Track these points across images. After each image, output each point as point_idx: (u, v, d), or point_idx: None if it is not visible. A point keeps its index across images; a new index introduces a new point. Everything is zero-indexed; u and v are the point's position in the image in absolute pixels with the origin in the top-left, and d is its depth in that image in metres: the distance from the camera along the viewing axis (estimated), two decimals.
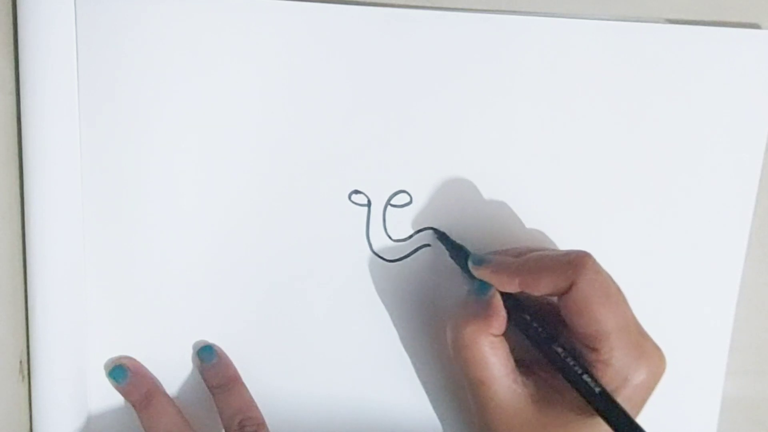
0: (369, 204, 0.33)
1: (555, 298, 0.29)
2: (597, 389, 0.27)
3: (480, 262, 0.31)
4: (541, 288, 0.28)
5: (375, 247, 0.33)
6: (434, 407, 0.35)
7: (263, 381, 0.34)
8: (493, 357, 0.29)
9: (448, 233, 0.33)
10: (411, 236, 0.33)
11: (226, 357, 0.34)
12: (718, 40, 0.33)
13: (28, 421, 0.33)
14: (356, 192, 0.33)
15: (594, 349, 0.28)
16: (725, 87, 0.33)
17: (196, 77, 0.32)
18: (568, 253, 0.29)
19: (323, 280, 0.34)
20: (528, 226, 0.34)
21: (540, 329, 0.29)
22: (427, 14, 0.32)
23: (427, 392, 0.35)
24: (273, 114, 0.32)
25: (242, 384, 0.34)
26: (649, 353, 0.28)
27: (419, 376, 0.35)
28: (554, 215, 0.34)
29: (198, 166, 0.32)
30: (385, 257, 0.34)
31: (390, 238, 0.33)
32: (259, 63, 0.32)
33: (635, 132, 0.33)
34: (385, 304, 0.34)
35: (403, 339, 0.34)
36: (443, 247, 0.33)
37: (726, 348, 0.35)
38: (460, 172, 0.33)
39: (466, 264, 0.31)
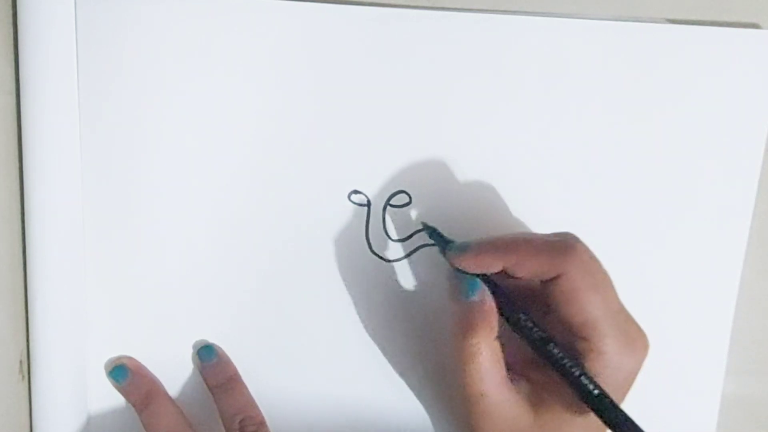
0: (368, 204, 0.33)
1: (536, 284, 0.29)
2: (595, 391, 0.27)
3: (461, 249, 0.29)
4: (526, 269, 0.28)
5: (374, 247, 0.33)
6: (434, 407, 0.35)
7: (263, 380, 0.34)
8: (493, 368, 0.28)
9: (440, 229, 0.32)
10: (410, 236, 0.33)
11: (226, 356, 0.34)
12: (718, 40, 0.33)
13: (28, 421, 0.33)
14: (355, 192, 0.33)
15: (584, 338, 0.27)
16: (725, 87, 0.33)
17: (195, 77, 0.32)
18: (557, 235, 0.28)
19: (323, 280, 0.34)
20: (528, 225, 0.34)
21: (535, 329, 0.28)
22: (427, 14, 0.32)
23: (426, 392, 0.35)
24: (273, 114, 0.32)
25: (242, 383, 0.34)
26: (636, 339, 0.28)
27: (419, 376, 0.35)
28: (554, 215, 0.34)
29: (197, 166, 0.32)
30: (384, 257, 0.34)
31: (389, 238, 0.33)
32: (258, 63, 0.32)
33: (635, 132, 0.33)
34: (384, 304, 0.34)
35: (402, 338, 0.34)
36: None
37: (726, 348, 0.35)
38: (460, 173, 0.33)
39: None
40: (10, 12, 0.31)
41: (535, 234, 0.30)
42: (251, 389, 0.34)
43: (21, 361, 0.33)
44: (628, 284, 0.35)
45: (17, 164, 0.32)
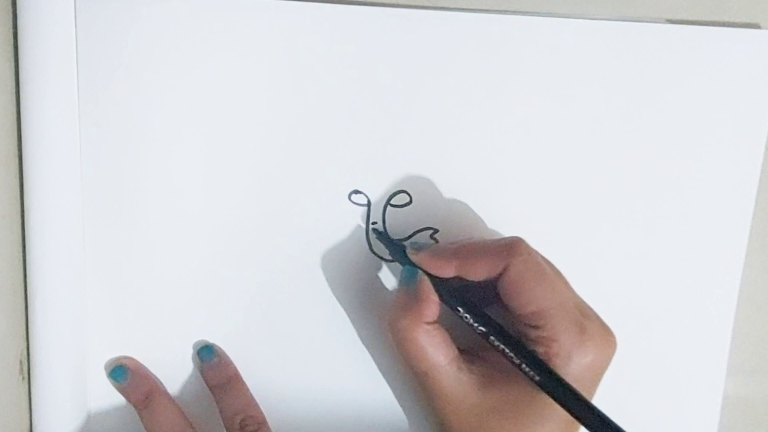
0: (369, 204, 0.33)
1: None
2: (536, 378, 0.28)
3: (418, 248, 0.31)
4: (477, 271, 0.29)
5: (374, 247, 0.33)
6: None
7: (264, 380, 0.34)
8: (431, 347, 0.29)
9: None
10: (411, 236, 0.33)
11: (226, 356, 0.34)
12: (718, 40, 0.33)
13: (28, 421, 0.33)
14: (356, 192, 0.33)
15: (536, 327, 0.28)
16: (725, 87, 0.33)
17: (196, 77, 0.32)
18: (503, 238, 0.30)
19: (323, 280, 0.34)
20: (528, 225, 0.34)
21: (476, 324, 0.29)
22: (427, 14, 0.32)
23: None
24: (272, 114, 0.32)
25: (243, 383, 0.34)
26: (594, 334, 0.29)
27: None
28: (554, 215, 0.34)
29: (198, 166, 0.32)
30: (385, 257, 0.34)
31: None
32: (259, 63, 0.32)
33: (635, 132, 0.33)
34: (384, 303, 0.34)
35: None
36: None
37: (726, 348, 0.35)
38: (460, 172, 0.33)
39: (404, 259, 0.31)
40: (10, 12, 0.31)
41: (483, 239, 0.31)
42: (251, 389, 0.34)
43: (21, 361, 0.33)
44: (629, 284, 0.35)
45: (17, 164, 0.32)
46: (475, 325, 0.29)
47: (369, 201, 0.33)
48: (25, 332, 0.33)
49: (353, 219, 0.33)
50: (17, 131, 0.31)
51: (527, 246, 0.29)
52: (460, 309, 0.30)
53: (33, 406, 0.33)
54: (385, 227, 0.33)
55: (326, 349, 0.34)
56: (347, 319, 0.34)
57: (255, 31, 0.31)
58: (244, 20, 0.31)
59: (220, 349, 0.34)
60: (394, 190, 0.33)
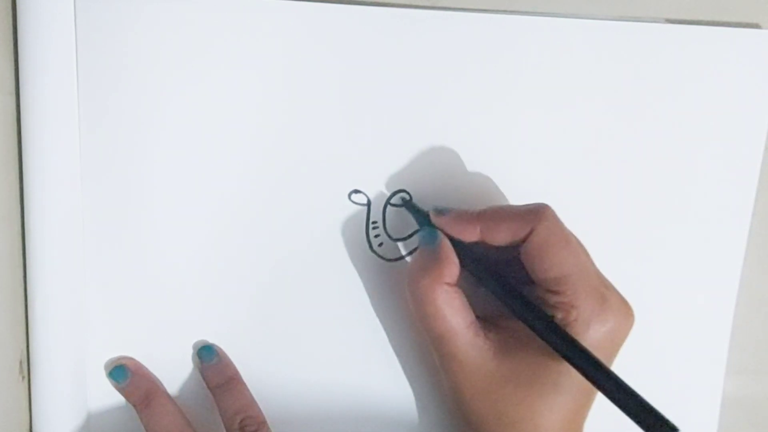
0: (368, 203, 0.33)
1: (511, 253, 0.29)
2: (559, 346, 0.27)
3: (441, 211, 0.31)
4: (501, 235, 0.29)
5: (375, 247, 0.33)
6: (434, 405, 0.35)
7: (264, 380, 0.34)
8: (449, 309, 0.29)
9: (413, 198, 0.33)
10: (411, 235, 0.33)
11: (226, 356, 0.34)
12: (718, 40, 0.33)
13: (28, 421, 0.33)
14: (356, 192, 0.33)
15: (556, 292, 0.28)
16: (725, 87, 0.33)
17: (195, 77, 0.32)
18: (528, 204, 0.29)
19: (323, 280, 0.34)
20: None
21: (503, 282, 0.29)
22: (427, 14, 0.32)
23: (426, 390, 0.35)
24: (273, 114, 0.32)
25: (243, 383, 0.34)
26: (613, 305, 0.29)
27: (418, 374, 0.35)
28: None
29: (197, 166, 0.32)
30: (384, 256, 0.34)
31: (390, 237, 0.33)
32: (258, 63, 0.32)
33: (635, 132, 0.33)
34: (384, 303, 0.34)
35: (402, 338, 0.34)
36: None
37: (726, 347, 0.35)
38: (460, 172, 0.33)
39: (426, 223, 0.31)
40: (10, 12, 0.31)
41: (507, 204, 0.31)
42: (252, 388, 0.34)
43: (21, 361, 0.33)
44: (628, 284, 0.35)
45: (17, 164, 0.32)
46: (502, 282, 0.29)
47: (369, 201, 0.33)
48: (25, 332, 0.33)
49: (353, 219, 0.33)
50: (17, 131, 0.31)
51: (553, 212, 0.29)
52: (483, 276, 0.29)
53: (33, 406, 0.33)
54: (385, 227, 0.33)
55: (326, 349, 0.34)
56: (347, 318, 0.34)
57: (255, 31, 0.31)
58: (244, 20, 0.31)
59: (220, 349, 0.34)
60: (394, 190, 0.33)
